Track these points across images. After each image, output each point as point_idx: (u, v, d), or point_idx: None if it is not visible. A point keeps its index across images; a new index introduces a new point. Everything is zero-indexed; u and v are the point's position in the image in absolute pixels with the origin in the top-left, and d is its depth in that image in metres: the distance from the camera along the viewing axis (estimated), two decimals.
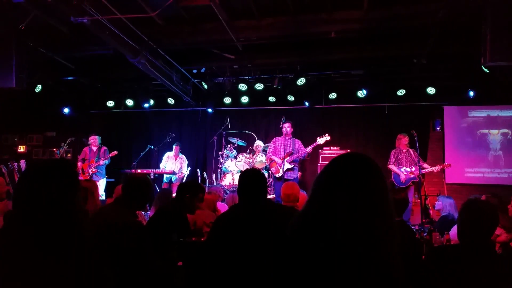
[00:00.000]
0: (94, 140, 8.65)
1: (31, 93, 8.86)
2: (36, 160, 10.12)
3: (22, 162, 7.40)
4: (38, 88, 9.04)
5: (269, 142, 8.50)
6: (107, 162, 8.58)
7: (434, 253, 2.26)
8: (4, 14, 6.02)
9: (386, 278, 1.34)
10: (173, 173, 8.81)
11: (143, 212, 4.91)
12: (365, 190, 1.38)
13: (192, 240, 3.31)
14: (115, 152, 8.60)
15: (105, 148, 8.70)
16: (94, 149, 8.63)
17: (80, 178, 8.25)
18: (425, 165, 7.33)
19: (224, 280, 2.47)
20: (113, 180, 8.98)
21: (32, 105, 9.97)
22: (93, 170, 8.34)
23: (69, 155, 10.43)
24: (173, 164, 9.05)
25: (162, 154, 9.31)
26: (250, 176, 2.73)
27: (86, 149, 8.66)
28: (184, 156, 9.29)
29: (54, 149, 9.86)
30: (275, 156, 7.31)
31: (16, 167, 7.30)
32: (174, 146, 9.14)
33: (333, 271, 1.34)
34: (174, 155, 9.12)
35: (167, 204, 3.72)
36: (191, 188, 3.60)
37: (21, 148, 11.09)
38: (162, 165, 9.08)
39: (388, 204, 1.41)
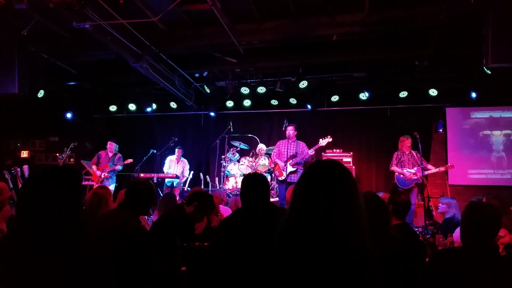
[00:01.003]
0: (111, 146, 8.70)
1: (34, 99, 8.88)
2: (39, 167, 10.17)
3: (25, 168, 7.41)
4: (41, 94, 9.07)
5: (272, 145, 8.51)
6: (120, 168, 8.62)
7: (438, 256, 2.25)
8: (6, 21, 6.05)
9: (363, 265, 1.53)
10: (176, 177, 8.82)
11: (146, 217, 4.91)
12: (338, 192, 1.60)
13: (195, 245, 3.30)
14: (130, 160, 8.61)
15: (120, 155, 8.76)
16: (110, 154, 8.68)
17: (92, 183, 8.33)
18: (428, 166, 7.32)
19: (227, 285, 2.47)
20: (116, 184, 8.99)
21: (35, 110, 9.99)
22: (106, 174, 8.39)
23: (71, 159, 10.44)
24: (175, 168, 9.05)
25: (165, 158, 9.32)
26: (252, 181, 2.73)
27: (101, 153, 8.71)
28: (186, 160, 9.30)
29: (57, 154, 9.87)
30: (278, 160, 7.31)
31: (19, 172, 7.31)
32: (176, 150, 9.15)
33: (320, 267, 1.51)
34: (176, 158, 9.13)
35: (172, 209, 3.71)
36: (203, 199, 3.58)
37: (24, 153, 11.11)
38: (164, 169, 9.10)
39: (358, 202, 1.63)
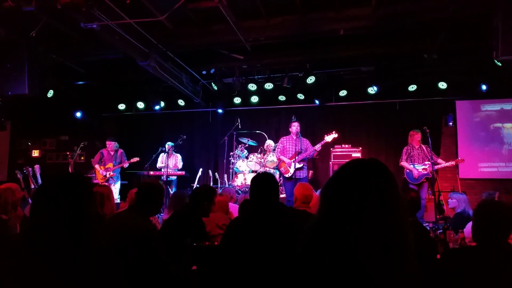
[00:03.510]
0: (110, 145, 8.67)
1: (44, 98, 8.96)
2: (51, 176, 10.28)
3: (37, 167, 7.49)
4: (50, 93, 9.14)
5: None
6: (126, 166, 8.64)
7: (449, 255, 2.24)
8: (15, 22, 6.11)
9: (403, 281, 1.31)
10: (185, 174, 8.85)
11: (156, 215, 4.94)
12: (378, 197, 1.35)
13: (205, 245, 3.32)
14: (136, 159, 8.59)
15: (122, 151, 8.76)
16: (112, 153, 8.69)
17: (96, 181, 8.37)
18: (439, 160, 7.24)
19: (237, 284, 2.48)
20: (126, 182, 9.06)
21: (45, 110, 10.09)
22: (111, 173, 8.41)
23: (82, 158, 10.54)
24: (169, 163, 8.93)
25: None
26: (261, 182, 2.73)
27: (103, 151, 8.71)
28: (178, 154, 9.29)
29: (68, 153, 9.97)
30: (283, 156, 7.29)
31: (30, 172, 7.40)
32: (166, 145, 9.02)
33: (351, 277, 1.30)
34: (168, 153, 8.97)
35: (183, 208, 3.73)
36: (207, 194, 3.61)
37: (35, 153, 11.24)
38: (158, 166, 9.13)
39: (401, 209, 1.38)
